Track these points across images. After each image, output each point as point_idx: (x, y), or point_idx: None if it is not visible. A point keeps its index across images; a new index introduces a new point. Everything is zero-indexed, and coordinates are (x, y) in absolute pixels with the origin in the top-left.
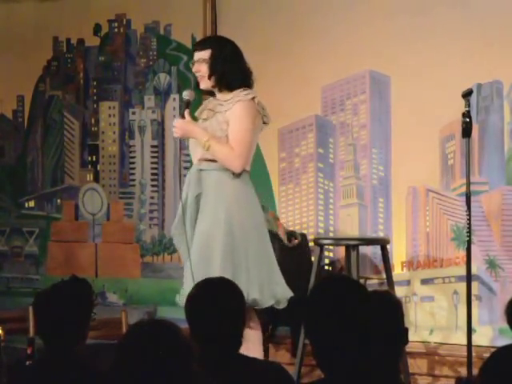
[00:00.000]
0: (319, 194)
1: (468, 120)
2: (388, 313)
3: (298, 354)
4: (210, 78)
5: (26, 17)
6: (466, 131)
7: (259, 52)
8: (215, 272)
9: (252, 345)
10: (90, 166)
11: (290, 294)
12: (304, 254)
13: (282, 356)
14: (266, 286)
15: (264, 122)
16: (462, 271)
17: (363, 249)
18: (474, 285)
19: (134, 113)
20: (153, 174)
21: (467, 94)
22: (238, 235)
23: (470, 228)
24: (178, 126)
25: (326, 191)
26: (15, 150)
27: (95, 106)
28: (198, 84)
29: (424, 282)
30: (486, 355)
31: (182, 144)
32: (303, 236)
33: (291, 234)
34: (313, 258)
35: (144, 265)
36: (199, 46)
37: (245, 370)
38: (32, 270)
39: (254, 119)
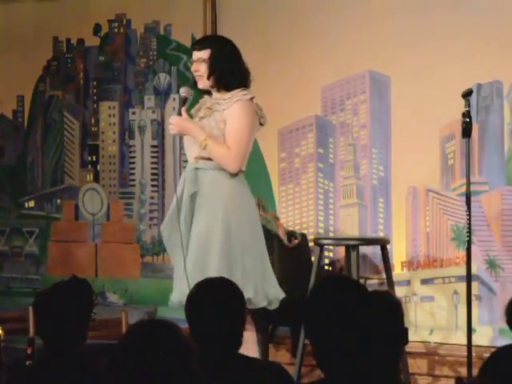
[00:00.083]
0: (319, 193)
1: (468, 120)
2: (388, 313)
3: (298, 354)
4: (209, 77)
5: (25, 17)
6: (466, 131)
7: (259, 52)
8: (212, 271)
9: (247, 346)
10: (90, 166)
11: (282, 294)
12: (304, 254)
13: (281, 356)
14: (259, 286)
15: (260, 123)
16: (462, 271)
17: (363, 249)
18: (474, 285)
19: (134, 113)
20: (153, 174)
21: (467, 94)
22: (234, 235)
23: (469, 228)
24: (174, 122)
25: (325, 191)
26: (15, 150)
27: (95, 106)
28: (195, 83)
29: (424, 281)
30: (486, 355)
31: (182, 144)
32: (303, 236)
33: (291, 234)
34: (313, 258)
35: (144, 265)
36: (198, 45)
37: (245, 370)
38: (32, 270)
39: (251, 119)
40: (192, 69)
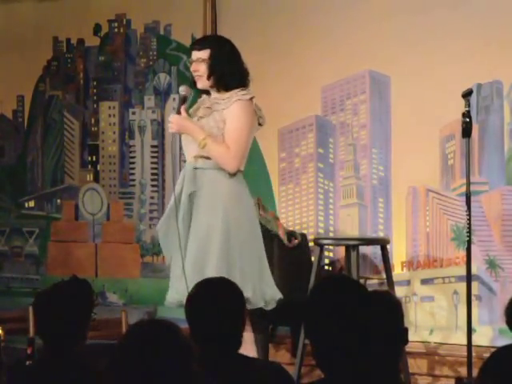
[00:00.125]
0: (319, 194)
1: (468, 120)
2: (388, 313)
3: (298, 354)
4: (209, 78)
5: (25, 17)
6: (466, 131)
7: (259, 52)
8: (211, 271)
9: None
10: (90, 166)
11: (278, 295)
12: (304, 254)
13: (282, 356)
14: (257, 286)
15: (259, 123)
16: (462, 271)
17: (363, 249)
18: (474, 285)
19: (134, 113)
20: (153, 174)
21: (467, 94)
22: (233, 234)
23: (469, 228)
24: (173, 121)
25: (325, 191)
26: (15, 149)
27: (95, 106)
28: (194, 83)
29: (424, 282)
30: (486, 355)
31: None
32: (303, 236)
33: (291, 234)
34: (313, 258)
35: (144, 265)
36: (198, 45)
37: (245, 370)
38: (32, 270)
39: (251, 119)
40: (191, 69)
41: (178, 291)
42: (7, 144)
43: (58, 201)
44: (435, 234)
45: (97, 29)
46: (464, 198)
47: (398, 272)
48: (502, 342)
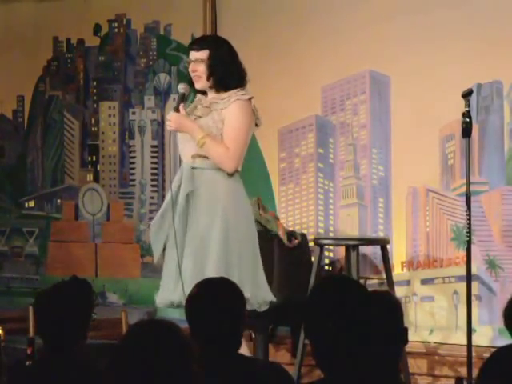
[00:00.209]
0: (319, 194)
1: (468, 120)
2: (388, 313)
3: (297, 354)
4: (208, 78)
5: (25, 17)
6: (466, 131)
7: (259, 52)
8: (210, 270)
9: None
10: (90, 166)
11: (271, 297)
12: (304, 254)
13: (282, 356)
14: (254, 287)
15: (256, 124)
16: (462, 271)
17: (363, 249)
18: (474, 285)
19: (134, 113)
20: (153, 174)
21: (467, 94)
22: (232, 234)
23: (469, 228)
24: (172, 119)
25: (325, 191)
26: (15, 150)
27: (95, 105)
28: (192, 83)
29: (424, 281)
30: (486, 355)
31: None
32: (303, 236)
33: (291, 234)
34: (313, 258)
35: (144, 265)
36: (196, 45)
37: (245, 370)
38: (32, 270)
39: (249, 119)
40: (190, 69)
41: (170, 291)
42: (7, 144)
43: (58, 201)
44: (435, 234)
45: (97, 29)
46: (464, 198)
47: (397, 272)
48: (502, 342)
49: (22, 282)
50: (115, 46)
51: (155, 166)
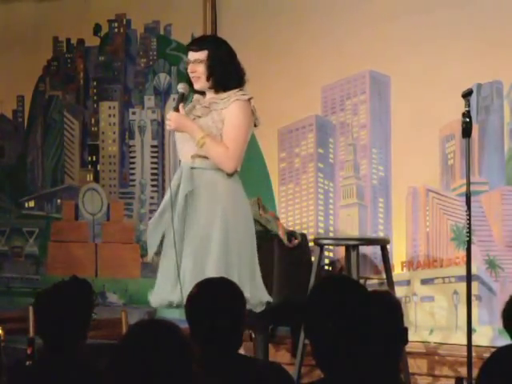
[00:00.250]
0: (319, 194)
1: (468, 120)
2: (388, 313)
3: (297, 354)
4: (208, 79)
5: (25, 17)
6: (466, 131)
7: (259, 52)
8: (211, 270)
9: None
10: (90, 166)
11: (267, 298)
12: (304, 254)
13: (282, 356)
14: (253, 287)
15: (254, 125)
16: (462, 271)
17: (363, 249)
18: (474, 285)
19: (134, 113)
20: (153, 174)
21: (467, 94)
22: (232, 235)
23: (469, 228)
24: (172, 118)
25: (325, 191)
26: (15, 150)
27: (95, 105)
28: (190, 83)
29: (424, 281)
30: (486, 355)
31: None
32: (303, 236)
33: (291, 234)
34: (313, 258)
35: (144, 265)
36: (195, 46)
37: (245, 370)
38: (32, 270)
39: (249, 120)
40: (189, 70)
41: (168, 291)
42: (7, 144)
43: (58, 201)
44: (435, 234)
45: (97, 29)
46: (464, 198)
47: (397, 272)
48: (501, 342)
49: (22, 282)
50: (115, 46)
51: (155, 166)
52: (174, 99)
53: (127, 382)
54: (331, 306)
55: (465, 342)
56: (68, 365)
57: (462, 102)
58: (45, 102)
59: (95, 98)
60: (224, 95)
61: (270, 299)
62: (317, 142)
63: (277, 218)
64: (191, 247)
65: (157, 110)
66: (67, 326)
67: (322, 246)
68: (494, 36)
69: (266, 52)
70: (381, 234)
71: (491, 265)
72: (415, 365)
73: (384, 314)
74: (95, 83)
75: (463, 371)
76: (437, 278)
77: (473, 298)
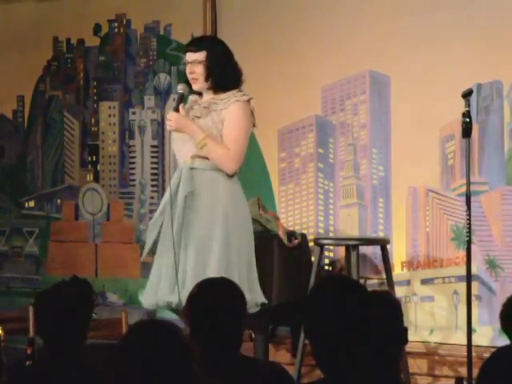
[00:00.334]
0: (319, 194)
1: (468, 120)
2: (388, 313)
3: (298, 354)
4: (207, 79)
5: (25, 16)
6: (466, 131)
7: (259, 52)
8: (212, 270)
9: None
10: (90, 166)
11: (262, 299)
12: (304, 254)
13: (282, 356)
14: (251, 288)
15: (253, 125)
16: (462, 271)
17: (363, 249)
18: (474, 285)
19: (134, 113)
20: (153, 174)
21: (467, 94)
22: (233, 235)
23: (469, 228)
24: (173, 119)
25: (325, 191)
26: (15, 150)
27: (95, 105)
28: (189, 84)
29: (424, 281)
30: (486, 355)
31: None
32: (303, 236)
33: (291, 234)
34: (313, 258)
35: (144, 265)
36: (193, 46)
37: (245, 371)
38: (32, 270)
39: (249, 121)
40: (187, 71)
41: (166, 292)
42: (7, 144)
43: (58, 201)
44: (435, 234)
45: (97, 29)
46: (464, 198)
47: (397, 272)
48: (501, 342)
49: (22, 282)
50: (115, 46)
51: (155, 166)
52: (173, 99)
53: (127, 382)
54: (331, 306)
55: (465, 341)
56: (68, 365)
57: (462, 101)
58: (45, 102)
59: (95, 97)
60: (223, 96)
61: (265, 300)
62: (317, 142)
63: (277, 218)
64: (192, 247)
65: (157, 109)
66: (67, 326)
67: (322, 246)
68: (494, 36)
69: (265, 52)
70: (381, 234)
71: (491, 265)
72: (415, 365)
73: (384, 314)
74: (95, 83)
75: (463, 371)
76: (437, 277)
77: (473, 297)
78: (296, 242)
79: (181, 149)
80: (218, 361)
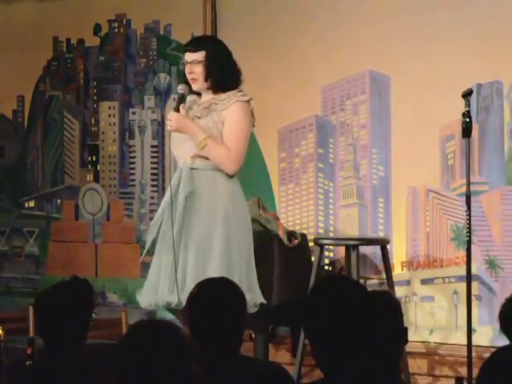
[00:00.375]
0: (319, 194)
1: (468, 120)
2: (387, 313)
3: (298, 354)
4: (206, 79)
5: (26, 16)
6: (466, 131)
7: (259, 52)
8: (212, 270)
9: None
10: (90, 166)
11: (261, 299)
12: (304, 254)
13: (282, 356)
14: (250, 288)
15: (252, 125)
16: (462, 271)
17: (363, 249)
18: (474, 285)
19: (134, 113)
20: (153, 174)
21: (467, 94)
22: (234, 235)
23: (469, 228)
24: (173, 119)
25: (326, 191)
26: (15, 150)
27: (95, 105)
28: (188, 84)
29: (424, 281)
30: (486, 355)
31: None
32: (303, 236)
33: (291, 234)
34: (313, 258)
35: (144, 265)
36: (192, 46)
37: (245, 370)
38: (32, 270)
39: (249, 121)
40: (186, 71)
41: (166, 292)
42: (7, 144)
43: (58, 201)
44: (435, 234)
45: (97, 29)
46: (464, 198)
47: (397, 272)
48: (501, 342)
49: (22, 282)
50: (115, 46)
51: (155, 166)
52: (173, 99)
53: (127, 382)
54: (331, 306)
55: (465, 341)
56: (68, 365)
57: (462, 101)
58: (45, 102)
59: (95, 97)
60: (223, 96)
61: (264, 301)
62: (317, 142)
63: (277, 218)
64: (192, 247)
65: (157, 109)
66: (67, 326)
67: (322, 246)
68: (494, 36)
69: (266, 52)
70: (381, 234)
71: (491, 265)
72: (415, 365)
73: (384, 314)
74: (95, 83)
75: (463, 371)
76: (437, 278)
77: (473, 297)
78: (296, 242)
79: (181, 149)
80: (218, 361)
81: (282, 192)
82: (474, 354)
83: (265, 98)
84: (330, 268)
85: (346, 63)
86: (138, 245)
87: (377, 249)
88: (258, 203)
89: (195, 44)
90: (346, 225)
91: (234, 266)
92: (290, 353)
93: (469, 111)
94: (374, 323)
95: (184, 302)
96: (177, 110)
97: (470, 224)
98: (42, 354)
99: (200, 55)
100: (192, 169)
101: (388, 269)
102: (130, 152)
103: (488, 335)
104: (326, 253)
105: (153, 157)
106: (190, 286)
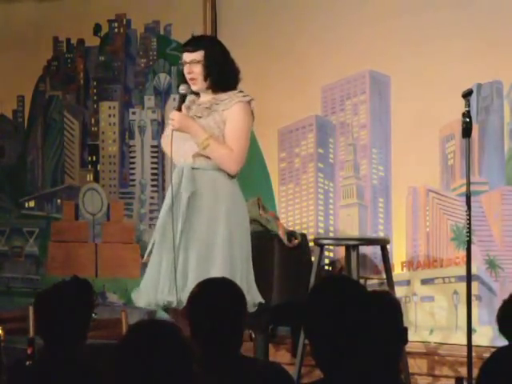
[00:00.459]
0: (319, 194)
1: (468, 120)
2: (387, 313)
3: (298, 354)
4: (206, 79)
5: (26, 17)
6: (466, 131)
7: (259, 52)
8: (216, 270)
9: None
10: (90, 166)
11: (260, 299)
12: (304, 254)
13: (282, 356)
14: (249, 287)
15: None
16: (462, 271)
17: (363, 249)
18: (474, 285)
19: (134, 113)
20: (153, 174)
21: (467, 94)
22: (235, 235)
23: (469, 228)
24: (176, 118)
25: (325, 191)
26: (15, 150)
27: (95, 106)
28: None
29: (424, 281)
30: (486, 355)
31: None
32: (303, 236)
33: (291, 234)
34: (313, 258)
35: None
36: (191, 46)
37: (245, 370)
38: (32, 270)
39: (250, 122)
40: (185, 71)
41: (165, 292)
42: (7, 144)
43: (58, 201)
44: (435, 234)
45: (97, 29)
46: (464, 198)
47: (397, 272)
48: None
49: (22, 282)
50: (115, 46)
51: (155, 166)
52: (174, 99)
53: (127, 382)
54: (331, 306)
55: (465, 341)
56: (68, 365)
57: (462, 101)
58: (45, 101)
59: (95, 97)
60: (224, 96)
61: (262, 300)
62: (317, 142)
63: (277, 218)
64: (194, 247)
65: (157, 109)
66: (67, 326)
67: (322, 246)
68: (494, 36)
69: (266, 52)
70: (381, 234)
71: (491, 265)
72: (415, 365)
73: (384, 314)
74: (95, 83)
75: (463, 371)
76: (437, 278)
77: (473, 297)
78: (296, 241)
79: (181, 148)
80: (218, 361)
81: (281, 192)
82: (474, 353)
83: (265, 98)
84: (330, 268)
85: (346, 63)
86: (138, 245)
87: (377, 249)
88: (258, 203)
89: (193, 44)
90: (346, 225)
91: (236, 267)
92: (290, 353)
93: (469, 111)
94: (373, 323)
95: (185, 302)
96: (179, 109)
97: (470, 224)
98: (42, 354)
99: (199, 55)
100: (193, 168)
101: (388, 269)
102: (130, 152)
103: (488, 335)
104: (326, 253)
105: (153, 157)
106: (191, 286)
